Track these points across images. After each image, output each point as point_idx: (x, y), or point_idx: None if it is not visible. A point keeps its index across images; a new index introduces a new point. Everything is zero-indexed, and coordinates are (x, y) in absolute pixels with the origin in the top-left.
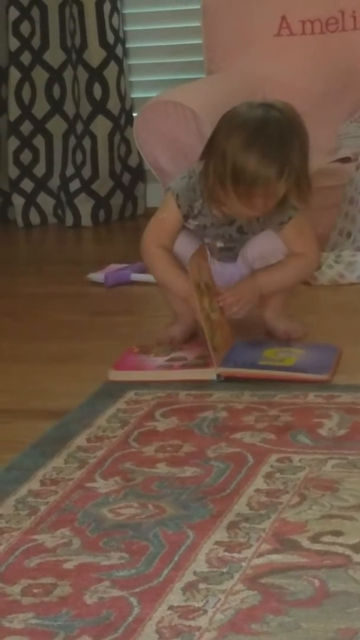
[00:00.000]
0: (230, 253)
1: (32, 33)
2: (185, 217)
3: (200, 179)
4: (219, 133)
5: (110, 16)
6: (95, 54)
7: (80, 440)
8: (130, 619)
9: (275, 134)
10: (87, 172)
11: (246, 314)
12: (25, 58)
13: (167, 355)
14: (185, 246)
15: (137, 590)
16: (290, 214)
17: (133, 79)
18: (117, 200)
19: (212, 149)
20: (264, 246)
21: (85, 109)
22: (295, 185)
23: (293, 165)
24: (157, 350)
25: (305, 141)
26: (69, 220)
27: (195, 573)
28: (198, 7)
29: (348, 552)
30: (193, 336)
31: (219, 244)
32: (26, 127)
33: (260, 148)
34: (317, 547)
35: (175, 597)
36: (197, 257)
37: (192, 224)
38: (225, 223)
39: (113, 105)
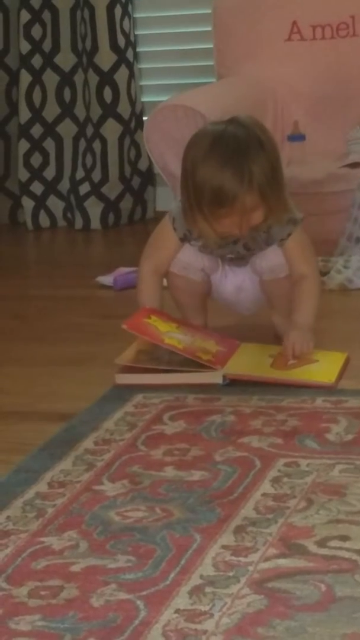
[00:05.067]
0: (241, 261)
1: (43, 36)
2: (184, 239)
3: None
4: (183, 157)
5: (121, 20)
6: (106, 58)
7: (88, 443)
8: (137, 622)
9: (231, 146)
10: (97, 175)
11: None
12: (36, 61)
13: (176, 356)
14: (193, 255)
15: (144, 593)
16: (289, 230)
17: (143, 82)
18: (126, 203)
19: (181, 175)
20: (273, 260)
21: (96, 112)
22: (261, 197)
23: (254, 175)
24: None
25: (272, 153)
26: (79, 223)
27: (201, 577)
28: (209, 11)
29: (355, 557)
30: None
31: (229, 256)
32: (36, 130)
33: (215, 161)
34: (323, 551)
35: (181, 600)
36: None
37: (195, 245)
38: (229, 243)
39: (123, 108)
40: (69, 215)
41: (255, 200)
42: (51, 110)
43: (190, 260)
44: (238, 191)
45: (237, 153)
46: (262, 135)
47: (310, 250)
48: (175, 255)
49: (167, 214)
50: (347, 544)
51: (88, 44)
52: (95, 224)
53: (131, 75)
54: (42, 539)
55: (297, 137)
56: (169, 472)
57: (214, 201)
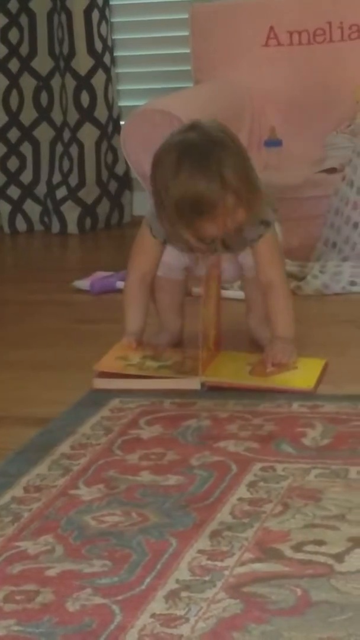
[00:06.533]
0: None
1: (21, 40)
2: (165, 243)
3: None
4: (152, 177)
5: (99, 24)
6: (83, 62)
7: (64, 447)
8: (112, 626)
9: (197, 155)
10: (73, 179)
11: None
12: (13, 65)
13: (152, 363)
14: (175, 257)
15: (120, 598)
16: (260, 232)
17: (121, 87)
18: (103, 208)
19: (153, 193)
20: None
21: (73, 116)
22: (237, 197)
23: (226, 177)
24: (140, 356)
25: (237, 152)
26: (55, 227)
27: (177, 581)
28: (186, 16)
29: (330, 561)
30: (177, 345)
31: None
32: (13, 134)
33: (186, 175)
34: (299, 556)
35: (157, 605)
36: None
37: (176, 246)
38: (207, 242)
39: (100, 113)
40: (45, 219)
41: (233, 201)
42: (28, 115)
43: (172, 261)
44: (216, 197)
45: (204, 160)
46: (224, 137)
47: (281, 254)
48: (161, 258)
49: (144, 222)
50: (322, 549)
51: (65, 48)
52: (72, 228)
53: (108, 80)
54: (17, 544)
55: (273, 142)
56: (145, 476)
57: (194, 211)
